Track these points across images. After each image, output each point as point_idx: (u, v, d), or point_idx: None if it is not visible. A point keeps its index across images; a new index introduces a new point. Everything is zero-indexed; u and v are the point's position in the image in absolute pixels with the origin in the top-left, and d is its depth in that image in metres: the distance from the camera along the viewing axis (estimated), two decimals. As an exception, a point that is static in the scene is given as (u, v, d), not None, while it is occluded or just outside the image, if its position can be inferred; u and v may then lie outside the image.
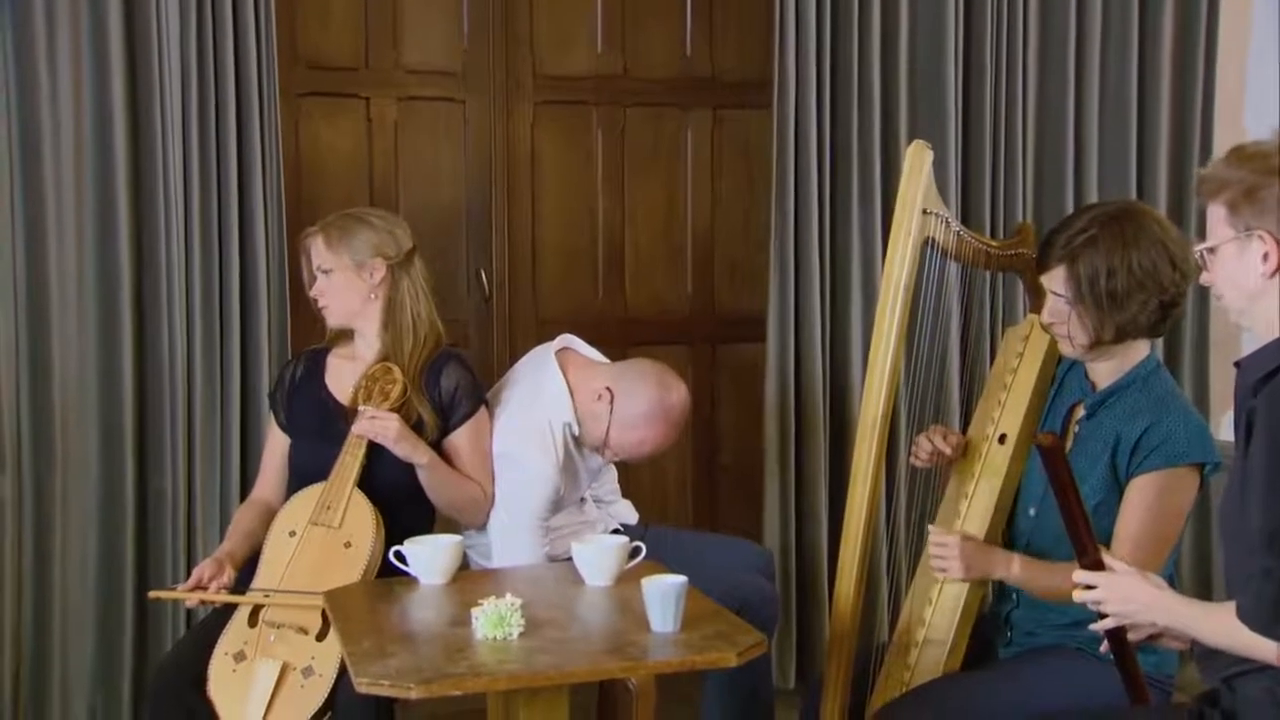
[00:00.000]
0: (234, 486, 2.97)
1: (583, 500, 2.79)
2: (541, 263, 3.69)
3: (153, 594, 2.53)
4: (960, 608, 2.26)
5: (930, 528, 2.24)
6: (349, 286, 2.54)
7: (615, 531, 2.68)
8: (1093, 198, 3.50)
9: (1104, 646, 1.87)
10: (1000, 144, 3.47)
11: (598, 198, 3.73)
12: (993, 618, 2.34)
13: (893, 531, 3.42)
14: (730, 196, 3.83)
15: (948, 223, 2.28)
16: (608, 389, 2.57)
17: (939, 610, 2.28)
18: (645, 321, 3.78)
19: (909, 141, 2.56)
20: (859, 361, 3.34)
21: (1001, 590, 2.33)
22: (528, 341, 3.05)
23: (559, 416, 2.57)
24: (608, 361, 2.73)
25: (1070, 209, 3.40)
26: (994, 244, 2.38)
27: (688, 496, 3.86)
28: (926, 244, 2.29)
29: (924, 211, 2.25)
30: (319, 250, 2.55)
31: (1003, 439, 2.31)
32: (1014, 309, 3.47)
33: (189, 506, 2.95)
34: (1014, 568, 2.16)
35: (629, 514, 2.89)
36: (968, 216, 3.43)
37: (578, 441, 2.61)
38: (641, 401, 2.55)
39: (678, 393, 2.59)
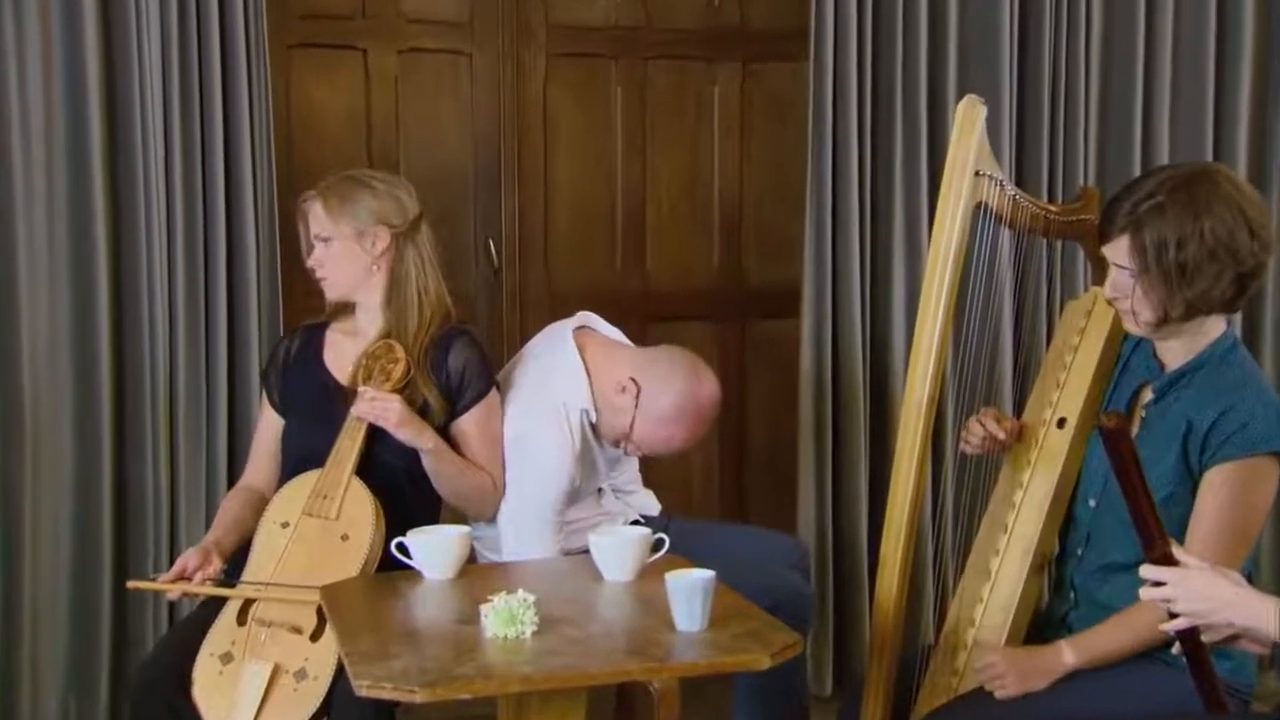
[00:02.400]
0: (221, 474, 2.98)
1: (600, 491, 2.80)
2: (555, 232, 3.69)
3: (131, 583, 2.55)
4: (1014, 607, 2.26)
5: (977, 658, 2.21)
6: (349, 256, 2.55)
7: (635, 523, 2.69)
8: (1163, 159, 3.47)
9: (1175, 649, 1.87)
10: (1060, 98, 3.44)
11: (616, 160, 3.73)
12: (1049, 619, 2.33)
13: (939, 524, 3.42)
14: (761, 158, 3.82)
15: (1002, 186, 2.27)
16: (633, 380, 2.57)
17: (990, 610, 2.28)
18: (667, 295, 3.78)
19: (959, 96, 2.54)
20: (903, 338, 3.33)
21: (1058, 589, 2.33)
22: (539, 317, 3.06)
23: (575, 401, 2.58)
24: (630, 344, 2.74)
25: (1137, 171, 3.38)
26: (1053, 209, 2.37)
27: (715, 485, 3.87)
28: (978, 209, 2.28)
29: (976, 173, 2.25)
30: (317, 216, 2.56)
31: (1062, 423, 2.31)
32: (1074, 281, 3.45)
33: (171, 496, 2.97)
34: (1066, 656, 2.13)
35: (650, 504, 2.90)
36: (1023, 179, 3.41)
37: (595, 430, 2.61)
38: (671, 395, 2.56)
39: (709, 385, 2.61)
